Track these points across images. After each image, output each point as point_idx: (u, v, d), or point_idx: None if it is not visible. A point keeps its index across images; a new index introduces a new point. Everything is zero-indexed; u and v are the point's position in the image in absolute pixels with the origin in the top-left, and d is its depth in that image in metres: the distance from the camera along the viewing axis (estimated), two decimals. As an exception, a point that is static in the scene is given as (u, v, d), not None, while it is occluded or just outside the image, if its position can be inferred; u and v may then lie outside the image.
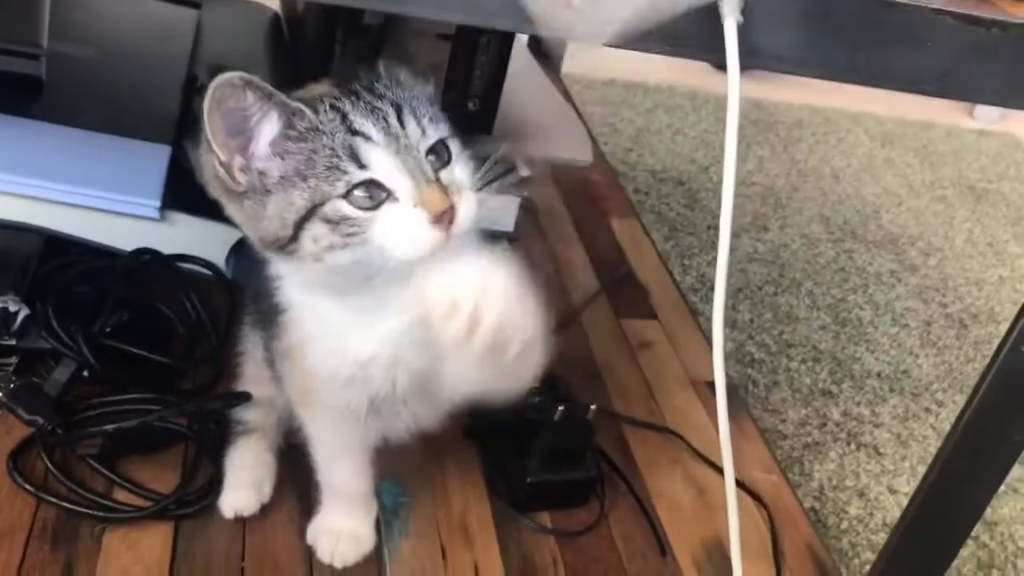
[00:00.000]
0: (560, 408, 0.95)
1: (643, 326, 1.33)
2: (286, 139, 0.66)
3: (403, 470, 0.96)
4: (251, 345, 0.97)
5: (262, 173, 0.66)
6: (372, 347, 0.74)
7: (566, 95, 1.86)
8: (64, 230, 1.05)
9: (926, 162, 2.69)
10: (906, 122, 2.89)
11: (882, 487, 1.50)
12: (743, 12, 0.54)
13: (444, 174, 0.68)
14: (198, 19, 1.43)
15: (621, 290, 1.39)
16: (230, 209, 0.70)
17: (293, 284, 0.75)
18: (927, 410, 1.69)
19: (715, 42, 0.55)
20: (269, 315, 0.82)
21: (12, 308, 0.94)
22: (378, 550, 0.90)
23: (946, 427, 1.65)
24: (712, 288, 1.87)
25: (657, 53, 0.53)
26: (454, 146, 0.70)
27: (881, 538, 1.40)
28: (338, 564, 0.87)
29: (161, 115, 1.19)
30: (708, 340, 1.36)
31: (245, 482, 0.91)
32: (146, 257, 1.08)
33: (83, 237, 1.05)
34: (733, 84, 0.55)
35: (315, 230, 0.66)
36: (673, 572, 0.96)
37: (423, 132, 0.68)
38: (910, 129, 2.86)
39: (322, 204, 0.65)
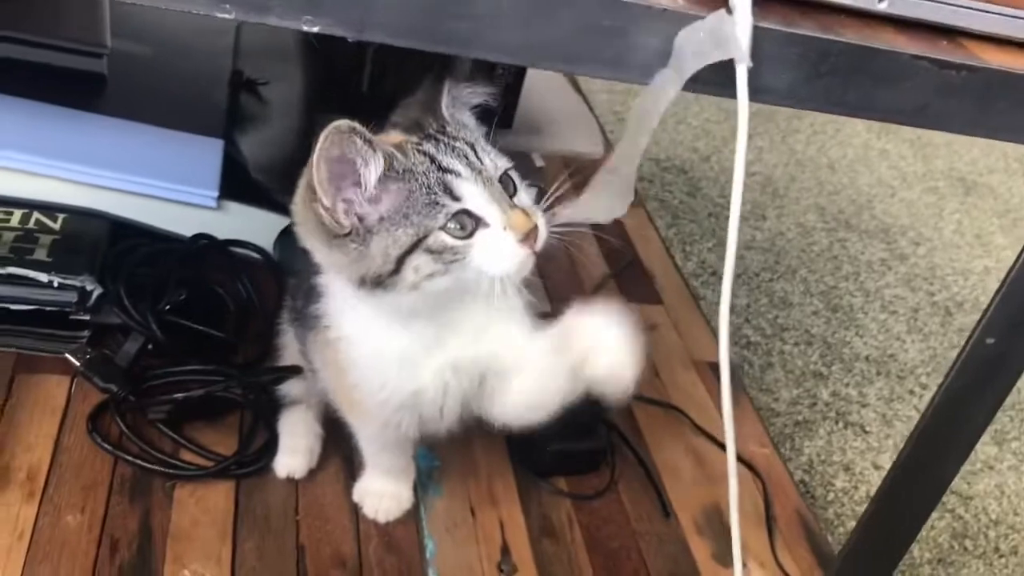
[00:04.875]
0: (578, 385, 1.06)
1: (649, 310, 1.44)
2: (387, 181, 0.73)
3: (436, 438, 1.07)
4: (289, 339, 1.04)
5: (361, 216, 0.74)
6: (425, 378, 0.83)
7: (577, 88, 1.96)
8: (129, 216, 1.15)
9: (919, 154, 2.78)
10: (901, 114, 2.97)
11: (867, 463, 1.61)
12: (752, 57, 0.65)
13: (516, 199, 0.77)
14: (237, 15, 1.52)
15: (628, 276, 1.50)
16: (328, 253, 0.76)
17: (357, 311, 0.81)
18: (911, 392, 1.80)
19: (728, 81, 0.66)
20: (309, 320, 0.89)
21: (88, 287, 1.04)
22: (415, 507, 1.01)
23: (928, 408, 1.77)
24: (713, 274, 1.99)
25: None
26: (515, 175, 0.79)
27: (864, 509, 1.52)
28: (381, 519, 0.99)
29: (211, 109, 1.29)
30: (709, 324, 1.46)
31: (297, 448, 1.02)
32: (203, 242, 1.18)
33: (146, 223, 1.16)
34: (742, 121, 0.65)
35: (417, 261, 0.73)
36: (675, 533, 1.08)
37: (495, 165, 0.77)
38: (905, 121, 2.95)
39: (426, 237, 0.73)
